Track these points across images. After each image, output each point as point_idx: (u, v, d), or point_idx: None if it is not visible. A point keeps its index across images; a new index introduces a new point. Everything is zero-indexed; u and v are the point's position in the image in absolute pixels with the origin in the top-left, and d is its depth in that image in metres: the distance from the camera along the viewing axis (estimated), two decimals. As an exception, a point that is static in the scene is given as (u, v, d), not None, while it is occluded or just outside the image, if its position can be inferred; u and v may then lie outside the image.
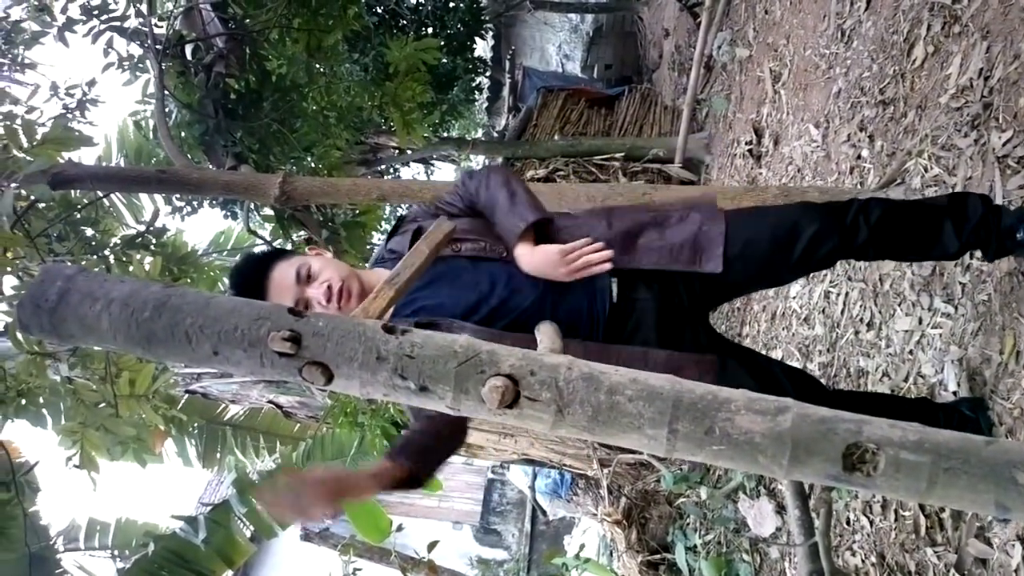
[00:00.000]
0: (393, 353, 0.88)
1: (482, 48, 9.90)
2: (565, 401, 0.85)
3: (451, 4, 6.27)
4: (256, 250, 1.69)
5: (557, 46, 11.08)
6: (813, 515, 2.38)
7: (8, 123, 2.83)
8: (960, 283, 2.17)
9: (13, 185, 2.65)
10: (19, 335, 2.35)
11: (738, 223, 1.56)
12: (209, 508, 3.17)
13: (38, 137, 2.83)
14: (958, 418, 1.85)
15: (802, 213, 1.58)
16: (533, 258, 1.46)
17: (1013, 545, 1.77)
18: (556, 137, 6.52)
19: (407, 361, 0.88)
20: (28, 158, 2.73)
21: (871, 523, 2.35)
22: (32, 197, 2.74)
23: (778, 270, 1.62)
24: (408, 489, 1.42)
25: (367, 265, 1.73)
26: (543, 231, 1.53)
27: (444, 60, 5.98)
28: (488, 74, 9.37)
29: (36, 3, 3.49)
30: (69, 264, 1.00)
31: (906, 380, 2.32)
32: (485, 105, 11.32)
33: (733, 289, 1.67)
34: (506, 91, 9.93)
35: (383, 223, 6.64)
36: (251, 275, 1.48)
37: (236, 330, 0.89)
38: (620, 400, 0.85)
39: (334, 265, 1.50)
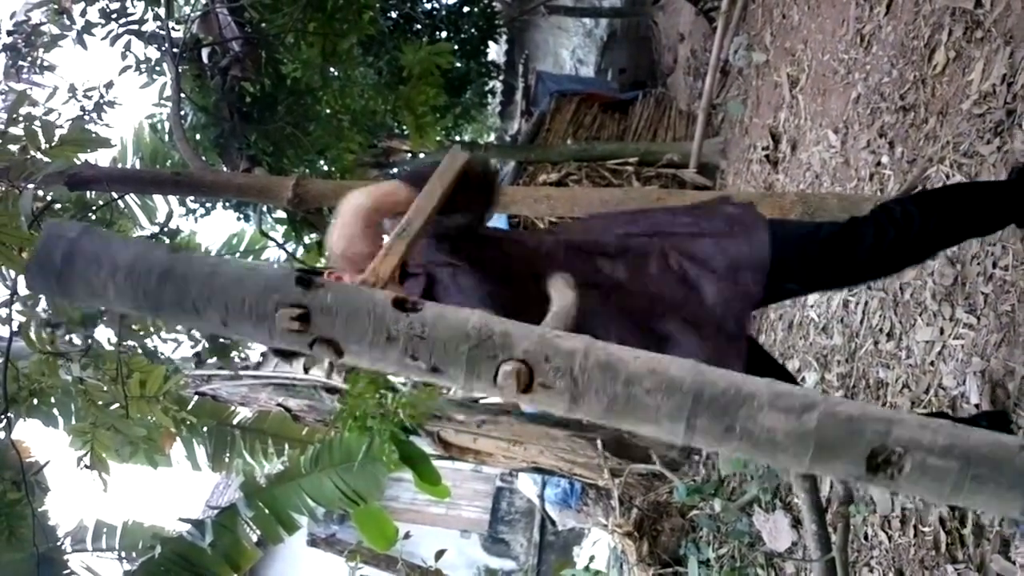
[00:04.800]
0: (404, 333, 0.85)
1: (496, 52, 9.91)
2: (580, 390, 0.82)
3: (465, 8, 6.28)
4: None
5: (571, 50, 11.07)
6: (830, 530, 2.34)
7: (28, 124, 2.85)
8: (983, 293, 2.13)
9: (31, 185, 2.66)
10: (31, 335, 2.36)
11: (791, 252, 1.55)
12: (216, 512, 3.16)
13: (56, 138, 2.85)
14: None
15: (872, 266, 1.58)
16: None
17: (1038, 564, 1.72)
18: (569, 141, 6.50)
19: (418, 342, 0.85)
20: (46, 159, 2.75)
21: (889, 538, 2.30)
22: (49, 197, 2.76)
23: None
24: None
25: None
26: None
27: (458, 64, 5.98)
28: (501, 78, 9.38)
29: (56, 7, 3.52)
30: (72, 223, 0.99)
31: (927, 392, 2.27)
32: (498, 109, 11.33)
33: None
34: (519, 95, 9.93)
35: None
36: None
37: (244, 303, 0.87)
38: (637, 392, 0.82)
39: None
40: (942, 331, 2.27)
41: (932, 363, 2.28)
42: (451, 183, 1.05)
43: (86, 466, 2.50)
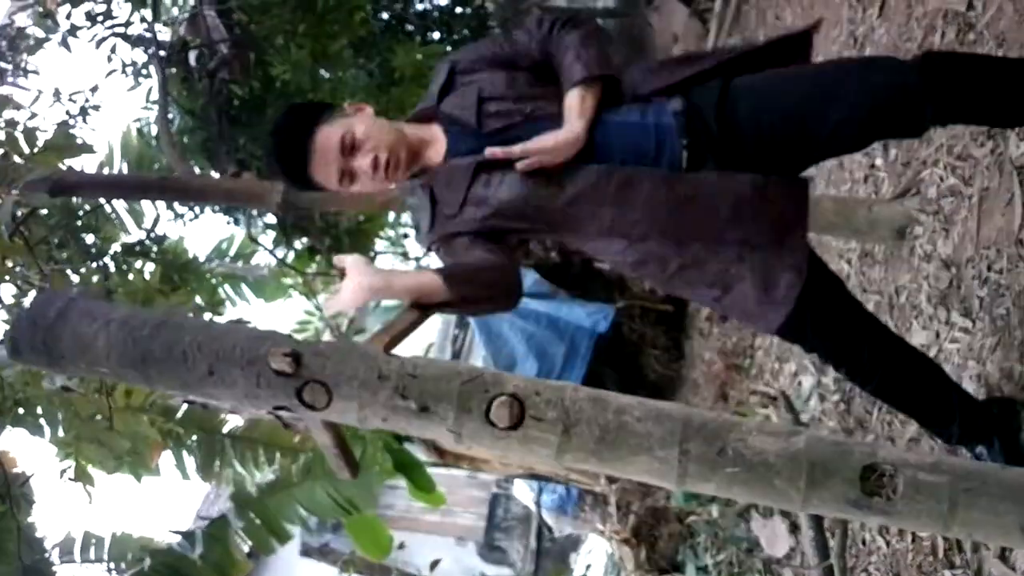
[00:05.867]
0: (395, 372, 0.87)
1: (489, 55, 9.87)
2: (571, 420, 0.84)
3: (457, 9, 6.26)
4: (296, 105, 1.61)
5: (564, 53, 11.06)
6: (828, 535, 2.33)
7: (9, 130, 2.81)
8: (978, 296, 2.12)
9: (15, 192, 2.62)
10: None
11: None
12: (207, 522, 3.13)
13: (39, 144, 2.81)
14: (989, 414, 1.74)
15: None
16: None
17: (1038, 571, 1.71)
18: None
19: (409, 380, 0.86)
20: (28, 165, 2.71)
21: (887, 544, 2.28)
22: (33, 203, 2.72)
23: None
24: (436, 310, 1.32)
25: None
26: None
27: (450, 66, 5.95)
28: (494, 81, 9.36)
29: (40, 10, 3.48)
30: (73, 290, 1.05)
31: (923, 396, 2.26)
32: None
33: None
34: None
35: (387, 230, 6.62)
36: (292, 141, 1.41)
37: (235, 348, 0.89)
38: (628, 420, 0.83)
39: (379, 128, 1.41)
40: (938, 335, 2.26)
41: (929, 367, 2.27)
42: (410, 325, 1.20)
43: (70, 479, 2.47)
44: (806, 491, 0.79)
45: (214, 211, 4.44)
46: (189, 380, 0.91)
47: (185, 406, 3.06)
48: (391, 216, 7.15)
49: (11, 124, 2.84)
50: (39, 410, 2.87)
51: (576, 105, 1.36)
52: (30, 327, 0.93)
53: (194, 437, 3.12)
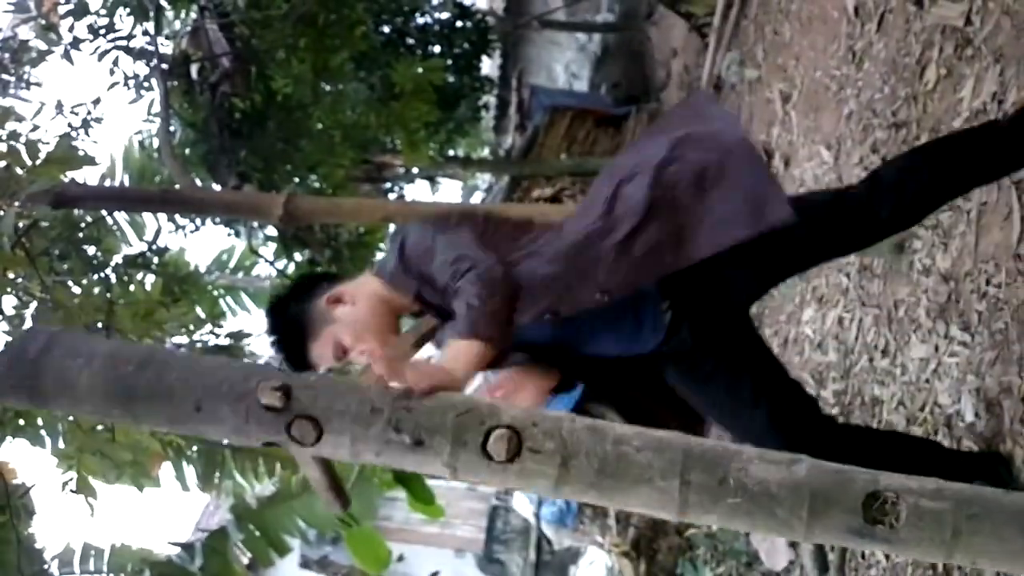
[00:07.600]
0: (389, 404, 0.85)
1: (489, 66, 9.94)
2: (570, 452, 0.82)
3: (458, 23, 6.30)
4: (277, 292, 1.71)
5: (565, 65, 11.13)
6: (827, 549, 2.32)
7: (12, 142, 2.83)
8: (976, 311, 2.13)
9: (16, 204, 2.63)
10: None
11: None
12: (206, 534, 3.12)
13: (41, 156, 2.82)
14: (972, 464, 1.76)
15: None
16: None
17: (1039, 588, 1.70)
18: (563, 156, 6.50)
19: (403, 414, 0.84)
20: (30, 177, 2.72)
21: (887, 558, 2.28)
22: (34, 215, 2.73)
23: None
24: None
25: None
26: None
27: (451, 78, 5.99)
28: (495, 92, 9.42)
29: (43, 22, 3.51)
30: (53, 328, 1.03)
31: (922, 409, 2.26)
32: (492, 123, 11.34)
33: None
34: (513, 109, 9.96)
35: (387, 242, 6.62)
36: (292, 359, 1.47)
37: (223, 384, 0.87)
38: (628, 451, 0.82)
39: (363, 328, 1.41)
40: (936, 348, 2.26)
41: (927, 380, 2.27)
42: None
43: (72, 491, 2.46)
44: (809, 520, 0.79)
45: (215, 223, 4.45)
46: (176, 417, 0.88)
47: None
48: (391, 229, 7.16)
49: (13, 136, 2.85)
50: (40, 421, 2.87)
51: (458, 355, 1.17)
52: (11, 365, 0.89)
53: (194, 448, 3.11)
